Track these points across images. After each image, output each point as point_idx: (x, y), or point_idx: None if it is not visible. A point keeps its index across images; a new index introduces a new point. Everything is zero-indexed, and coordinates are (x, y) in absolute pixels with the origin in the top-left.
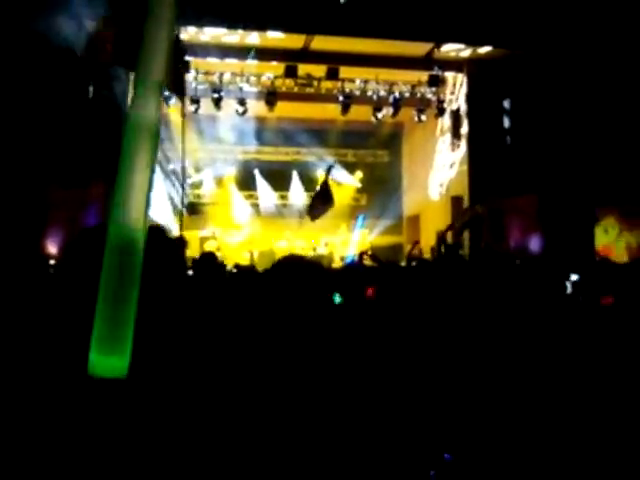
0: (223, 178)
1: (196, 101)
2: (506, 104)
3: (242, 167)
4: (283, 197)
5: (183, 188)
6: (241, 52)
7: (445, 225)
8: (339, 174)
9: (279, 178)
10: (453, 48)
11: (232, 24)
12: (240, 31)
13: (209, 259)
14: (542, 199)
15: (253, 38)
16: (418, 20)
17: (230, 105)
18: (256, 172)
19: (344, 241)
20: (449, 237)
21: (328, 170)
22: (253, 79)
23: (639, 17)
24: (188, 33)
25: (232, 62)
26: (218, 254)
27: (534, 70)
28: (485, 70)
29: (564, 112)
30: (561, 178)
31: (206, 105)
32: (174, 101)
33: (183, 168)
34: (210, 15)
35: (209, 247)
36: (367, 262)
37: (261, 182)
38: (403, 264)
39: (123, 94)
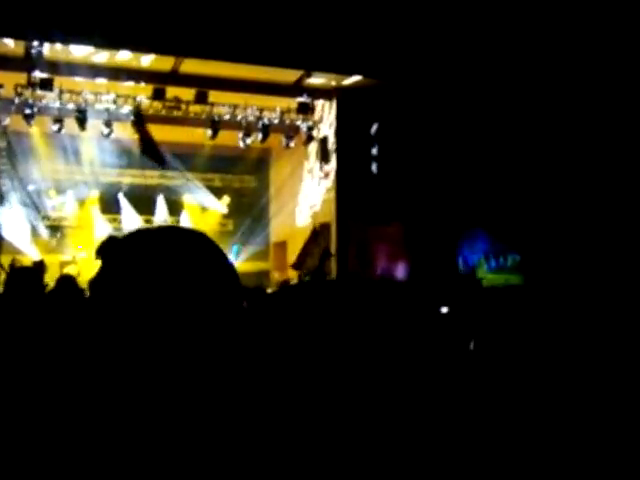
0: (85, 200)
1: (59, 120)
2: (374, 133)
3: (106, 189)
4: (148, 221)
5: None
6: (108, 71)
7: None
8: (206, 199)
9: (144, 202)
10: (322, 76)
11: (99, 43)
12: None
13: (67, 283)
14: (408, 227)
15: (123, 58)
16: (288, 47)
17: (95, 126)
18: (120, 195)
19: None
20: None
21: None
22: (120, 100)
23: (502, 50)
24: (54, 50)
25: (98, 82)
26: (77, 279)
27: (401, 100)
28: (354, 99)
29: (430, 141)
30: (426, 206)
31: (70, 125)
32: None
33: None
34: (77, 33)
35: (69, 272)
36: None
37: (125, 205)
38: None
39: None
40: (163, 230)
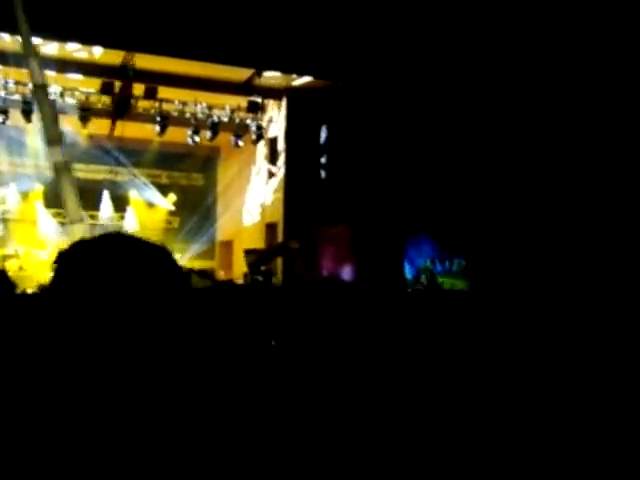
0: (29, 194)
1: (4, 112)
2: (323, 134)
3: (50, 183)
4: (93, 217)
5: None
6: (57, 64)
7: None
8: (152, 195)
9: (89, 197)
10: (273, 76)
11: (49, 35)
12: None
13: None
14: (354, 229)
15: (72, 50)
16: (240, 46)
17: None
18: None
19: None
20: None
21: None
22: (68, 93)
23: (449, 53)
24: (2, 40)
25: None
26: (19, 273)
27: (351, 102)
28: (304, 99)
29: (378, 143)
30: (374, 208)
31: (15, 117)
32: None
33: None
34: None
35: (11, 266)
36: (195, 280)
37: None
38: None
39: None
40: (110, 240)
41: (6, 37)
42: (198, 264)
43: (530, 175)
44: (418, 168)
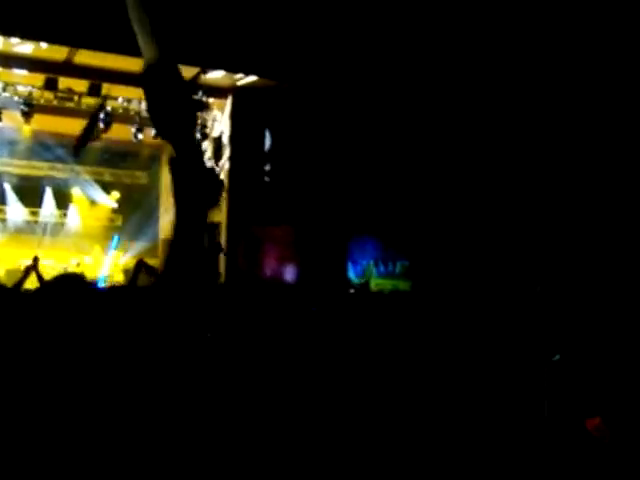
0: None
1: None
2: (268, 134)
3: None
4: (34, 213)
5: None
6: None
7: None
8: (95, 193)
9: (31, 193)
10: (218, 74)
11: None
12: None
13: None
14: (298, 230)
15: (15, 45)
16: (184, 44)
17: None
18: (6, 186)
19: (98, 262)
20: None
21: None
22: (9, 88)
23: (395, 51)
24: None
25: None
26: None
27: (296, 103)
28: (250, 98)
29: (322, 144)
30: (317, 209)
31: None
32: None
33: None
34: None
35: None
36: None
37: (11, 196)
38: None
39: None
40: None
41: None
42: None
43: (471, 176)
44: (363, 170)
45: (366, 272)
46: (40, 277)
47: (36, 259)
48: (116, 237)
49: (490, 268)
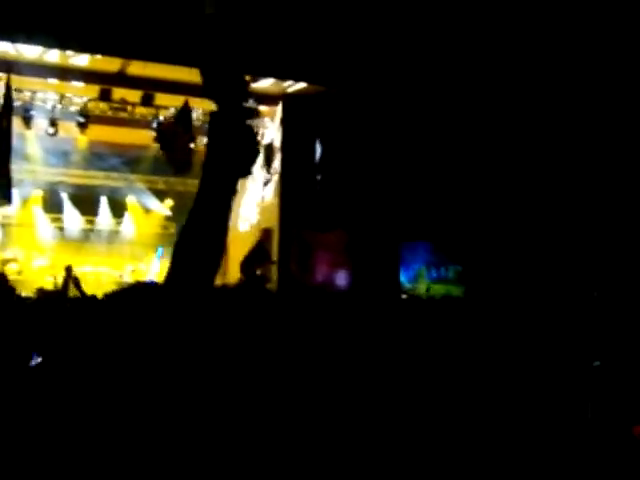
0: (28, 199)
1: None
2: (319, 139)
3: (49, 189)
4: (90, 222)
5: None
6: (56, 71)
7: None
8: (149, 201)
9: (87, 202)
10: (268, 82)
11: (47, 43)
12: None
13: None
14: (350, 235)
15: (71, 58)
16: (234, 52)
17: (40, 124)
18: (63, 195)
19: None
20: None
21: None
22: (66, 100)
23: (444, 56)
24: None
25: (44, 80)
26: (17, 277)
27: (347, 107)
28: (300, 105)
29: (375, 150)
30: (370, 214)
31: (15, 123)
32: None
33: None
34: (25, 33)
35: (10, 270)
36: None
37: (68, 205)
38: None
39: None
40: None
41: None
42: None
43: (528, 181)
44: (415, 174)
45: (418, 277)
46: (77, 284)
47: (69, 268)
48: (160, 248)
49: (546, 273)
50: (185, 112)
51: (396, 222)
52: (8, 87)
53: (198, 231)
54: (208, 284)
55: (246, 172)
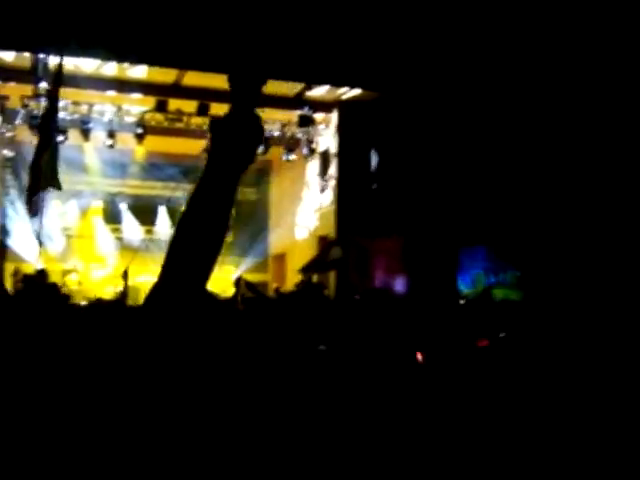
0: (88, 210)
1: (64, 131)
2: (375, 145)
3: (108, 199)
4: (149, 231)
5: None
6: (113, 84)
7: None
8: None
9: (146, 212)
10: (323, 89)
11: (104, 56)
12: (112, 63)
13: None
14: (407, 240)
15: (126, 71)
16: (289, 60)
17: (98, 136)
18: (122, 205)
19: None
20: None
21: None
22: (123, 112)
23: (505, 64)
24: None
25: (101, 93)
26: (78, 287)
27: (402, 113)
28: (355, 112)
29: (431, 155)
30: (426, 220)
31: (74, 135)
32: None
33: None
34: (83, 47)
35: (70, 281)
36: (243, 290)
37: (127, 216)
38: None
39: None
40: None
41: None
42: (252, 277)
43: (589, 184)
44: (472, 178)
45: (476, 282)
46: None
47: (125, 273)
48: None
49: (608, 279)
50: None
51: (454, 227)
52: (52, 104)
53: (198, 227)
54: (200, 287)
55: (248, 159)
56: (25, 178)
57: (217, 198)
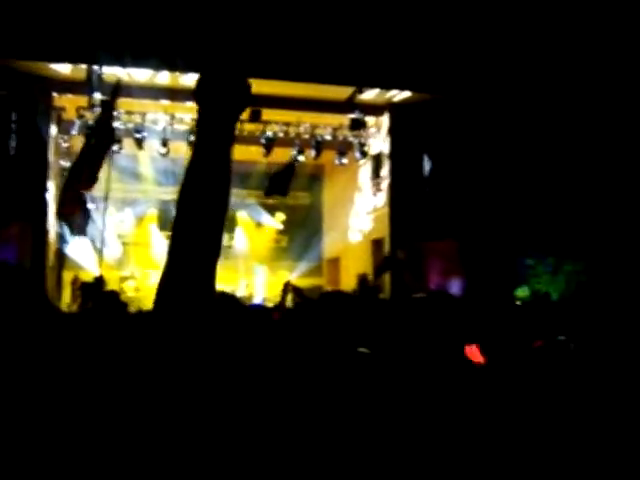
0: (144, 218)
1: (118, 140)
2: (427, 148)
3: (163, 207)
4: None
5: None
6: (166, 92)
7: (364, 268)
8: (260, 215)
9: None
10: (374, 92)
11: (157, 65)
12: (164, 72)
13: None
14: (462, 244)
15: (179, 79)
16: (340, 64)
17: (152, 145)
18: None
19: (266, 283)
20: (370, 280)
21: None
22: (176, 120)
23: (560, 64)
24: (115, 73)
25: (154, 102)
26: (135, 294)
27: (455, 114)
28: (406, 114)
29: (485, 157)
30: (481, 223)
31: (128, 144)
32: None
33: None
34: (136, 57)
35: (128, 287)
36: (290, 296)
37: None
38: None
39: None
40: None
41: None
42: (307, 282)
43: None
44: (527, 180)
45: (532, 285)
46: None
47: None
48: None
49: None
50: None
51: (508, 229)
52: (107, 116)
53: (196, 205)
54: (209, 283)
55: (235, 114)
56: None
57: (211, 169)
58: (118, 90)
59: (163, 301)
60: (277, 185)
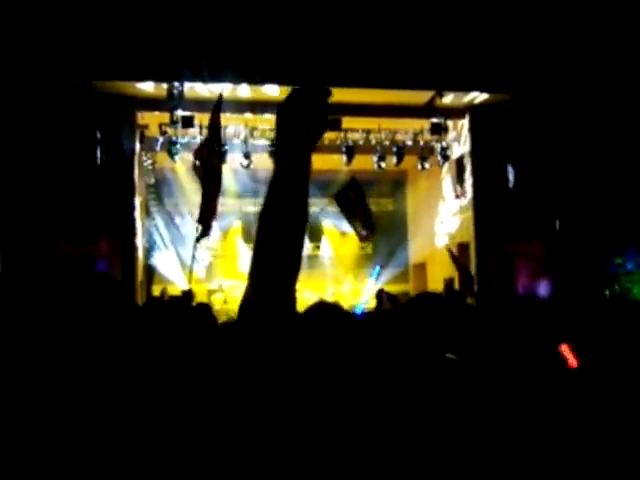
0: (229, 230)
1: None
2: (510, 149)
3: (247, 219)
4: None
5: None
6: (246, 105)
7: (451, 273)
8: (343, 224)
9: None
10: (454, 95)
11: (233, 79)
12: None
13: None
14: (549, 244)
15: (260, 91)
16: (418, 69)
17: (234, 158)
18: None
19: (353, 291)
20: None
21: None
22: (257, 132)
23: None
24: (193, 89)
25: (235, 115)
26: (224, 307)
27: (537, 115)
28: (488, 116)
29: (569, 157)
30: (568, 222)
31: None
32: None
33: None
34: (215, 74)
35: (216, 300)
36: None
37: None
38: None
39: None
40: None
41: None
42: (393, 288)
43: None
44: (617, 177)
45: (623, 283)
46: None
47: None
48: (378, 268)
49: None
50: None
51: (597, 228)
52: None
53: (276, 220)
54: (290, 294)
55: (315, 136)
56: (167, 203)
57: (292, 182)
58: (220, 105)
59: (246, 313)
60: (367, 225)
